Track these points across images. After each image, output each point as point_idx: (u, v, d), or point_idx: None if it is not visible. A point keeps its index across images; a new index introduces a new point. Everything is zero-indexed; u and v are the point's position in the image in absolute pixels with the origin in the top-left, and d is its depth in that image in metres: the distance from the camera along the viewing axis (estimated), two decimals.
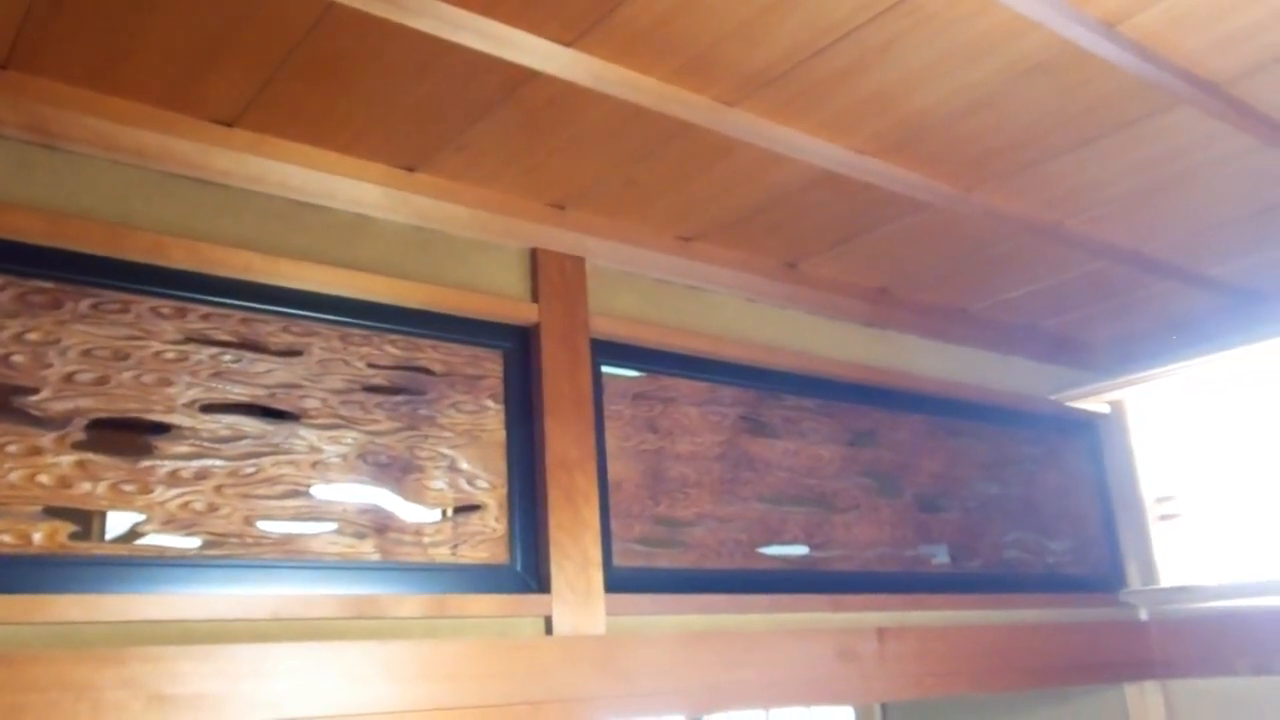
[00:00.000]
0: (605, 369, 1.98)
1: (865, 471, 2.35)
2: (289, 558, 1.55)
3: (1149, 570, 1.22)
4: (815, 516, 2.22)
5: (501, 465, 1.80)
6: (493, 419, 1.81)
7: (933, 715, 3.15)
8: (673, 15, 1.39)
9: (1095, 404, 1.25)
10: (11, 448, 1.38)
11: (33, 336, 1.43)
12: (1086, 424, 2.83)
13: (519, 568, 1.76)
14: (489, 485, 1.77)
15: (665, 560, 1.96)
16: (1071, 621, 2.53)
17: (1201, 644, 2.58)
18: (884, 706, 3.30)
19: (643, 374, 2.04)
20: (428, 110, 1.58)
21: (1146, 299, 2.60)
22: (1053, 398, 1.35)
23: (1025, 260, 2.31)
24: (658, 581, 1.92)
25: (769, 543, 2.13)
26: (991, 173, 1.89)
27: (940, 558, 2.45)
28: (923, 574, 2.38)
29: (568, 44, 1.45)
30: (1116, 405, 1.23)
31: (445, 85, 1.51)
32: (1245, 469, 1.12)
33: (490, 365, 1.84)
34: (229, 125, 1.59)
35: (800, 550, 2.18)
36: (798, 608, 2.07)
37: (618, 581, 1.85)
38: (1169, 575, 1.14)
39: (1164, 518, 1.16)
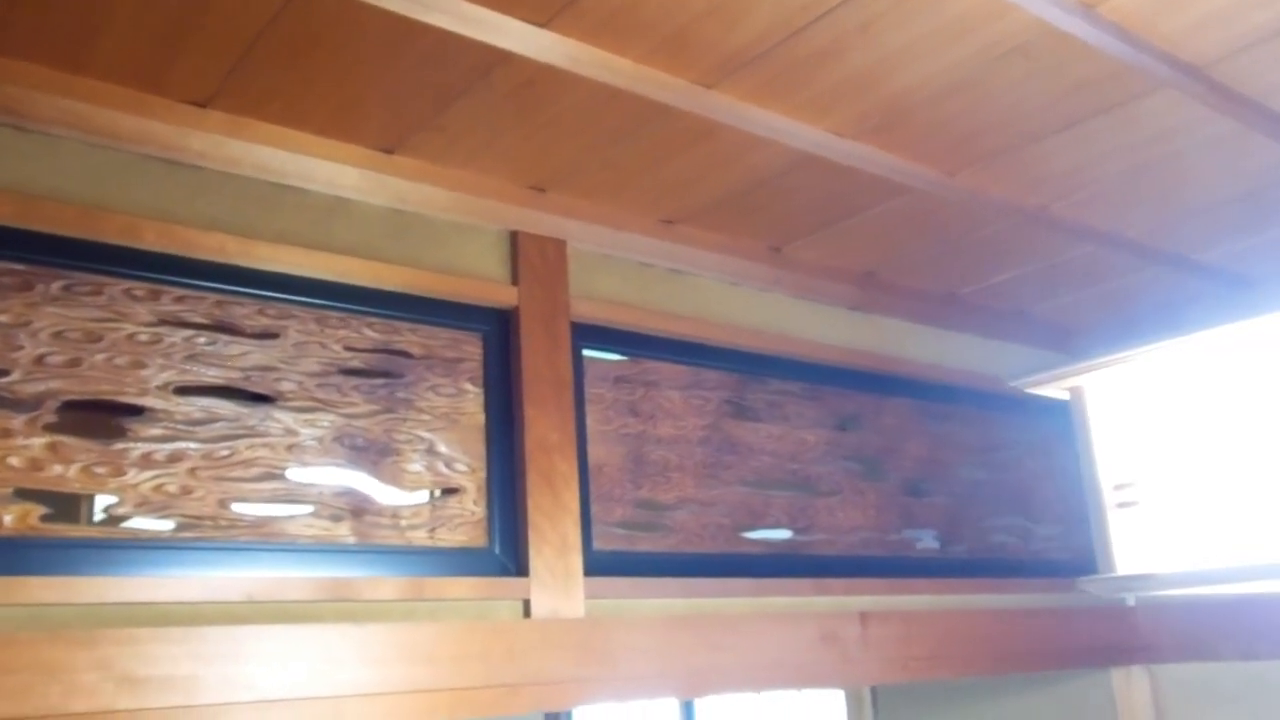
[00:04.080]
0: (586, 352, 1.97)
1: (850, 455, 2.34)
2: (264, 540, 1.54)
3: (1107, 558, 1.22)
4: (799, 500, 2.21)
5: (480, 449, 1.80)
6: (472, 402, 1.81)
7: (922, 700, 3.15)
8: None
9: (1055, 390, 1.25)
10: None
11: (2, 319, 1.42)
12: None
13: (497, 551, 1.75)
14: (467, 468, 1.77)
15: (647, 544, 1.96)
16: (1057, 606, 2.53)
17: (1188, 629, 2.58)
18: (874, 691, 3.31)
19: (624, 357, 2.04)
20: (403, 92, 1.57)
21: (1136, 284, 2.59)
22: (1011, 384, 1.34)
23: (1012, 245, 2.30)
24: (639, 565, 1.92)
25: (752, 526, 2.13)
26: (974, 156, 1.88)
27: (925, 542, 2.45)
28: (907, 558, 2.37)
29: (541, 25, 1.44)
30: (1076, 391, 1.23)
31: (420, 66, 1.50)
32: (1209, 454, 1.12)
33: (469, 348, 1.84)
34: (202, 106, 1.58)
35: (784, 534, 2.18)
36: (781, 591, 2.07)
37: (598, 565, 1.84)
38: (1126, 563, 1.14)
39: (1122, 505, 1.16)
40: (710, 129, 1.71)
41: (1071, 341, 2.91)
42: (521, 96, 1.59)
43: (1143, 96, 1.69)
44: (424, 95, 1.58)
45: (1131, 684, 2.65)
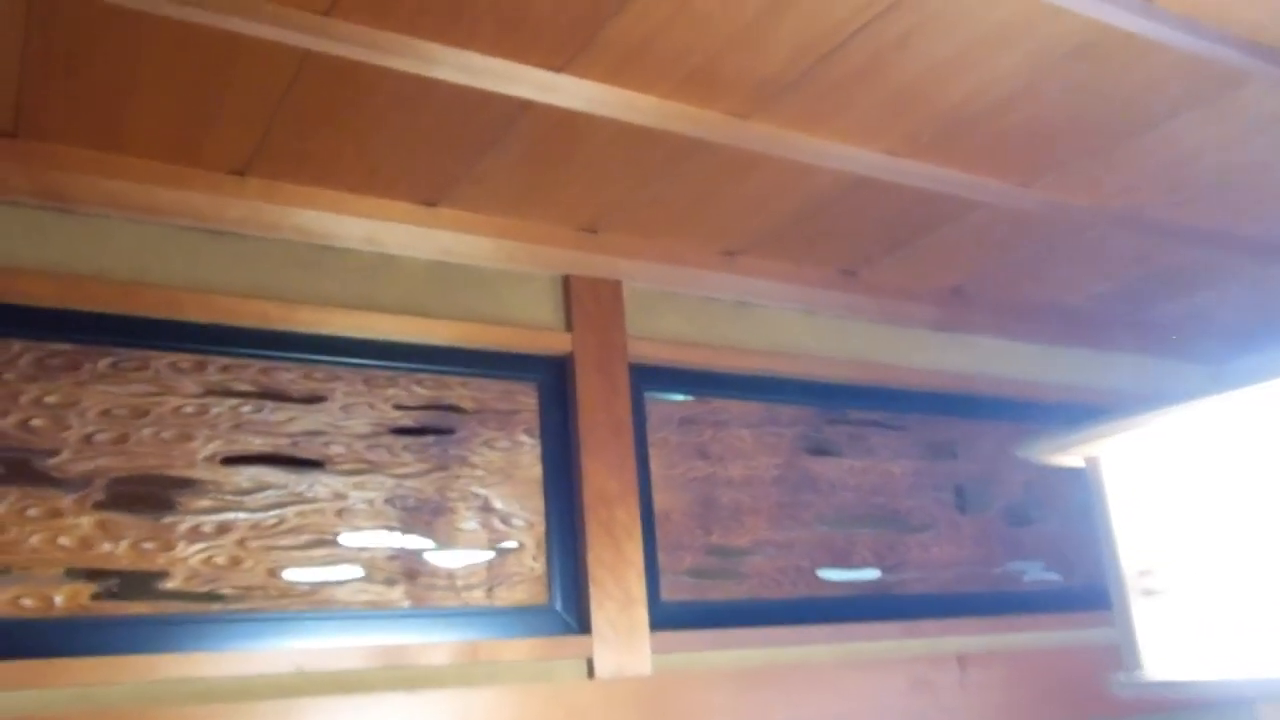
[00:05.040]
0: (649, 395, 1.91)
1: (942, 485, 2.21)
2: (315, 609, 1.53)
3: (1133, 653, 1.08)
4: (886, 537, 2.10)
5: (538, 502, 1.75)
6: (528, 454, 1.77)
7: None
8: (661, 30, 1.32)
9: (1071, 460, 1.11)
10: (32, 511, 1.39)
11: (51, 399, 1.45)
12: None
13: (558, 607, 1.70)
14: (525, 523, 1.73)
15: (718, 592, 1.88)
16: None
17: None
18: None
19: (690, 398, 1.97)
20: (431, 147, 1.54)
21: (1256, 283, 2.39)
22: (1020, 454, 1.21)
23: (1112, 250, 2.14)
24: (710, 615, 1.84)
25: (835, 567, 2.02)
26: (1047, 165, 1.75)
27: (1033, 574, 2.29)
28: (1012, 593, 2.22)
29: (557, 69, 1.39)
30: (1092, 462, 1.09)
31: (442, 122, 1.47)
32: (1248, 535, 0.94)
33: (524, 399, 1.79)
34: (240, 174, 1.58)
35: (871, 574, 2.07)
36: (866, 636, 1.95)
37: (665, 617, 1.77)
38: (1154, 660, 0.98)
39: (1148, 593, 1.02)
40: (753, 160, 1.63)
41: (1194, 347, 2.70)
42: (552, 141, 1.55)
43: (1230, 89, 1.53)
44: (453, 149, 1.55)
45: None
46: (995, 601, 2.17)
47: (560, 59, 1.37)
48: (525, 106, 1.43)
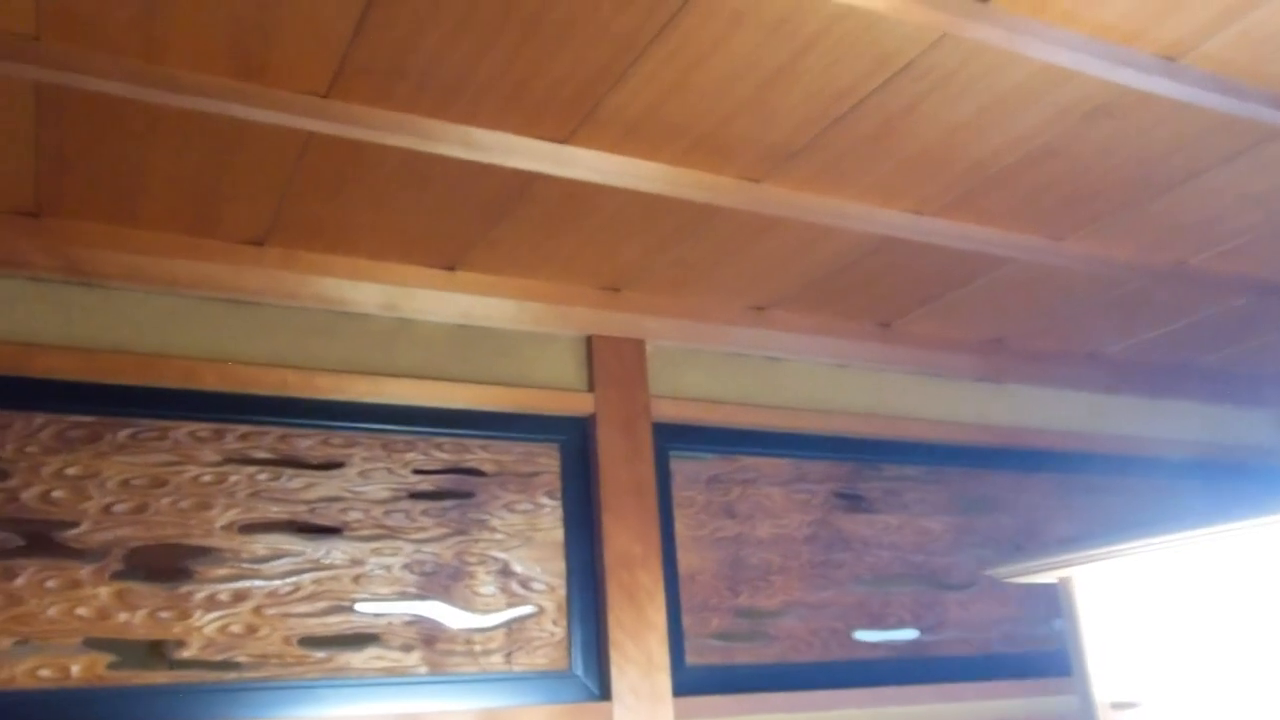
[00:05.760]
0: (674, 454, 1.89)
1: (983, 542, 2.15)
2: (330, 677, 1.53)
3: None
4: (924, 596, 2.04)
5: (560, 565, 1.73)
6: (549, 517, 1.75)
7: None
8: (664, 101, 1.30)
9: (1044, 579, 1.06)
10: (51, 582, 1.42)
11: (72, 471, 1.47)
12: (1253, 469, 2.52)
13: (579, 673, 1.68)
14: (546, 587, 1.71)
15: (747, 656, 1.84)
16: None
17: None
18: None
19: (717, 456, 1.94)
20: (445, 214, 1.54)
21: None
22: (988, 573, 1.16)
23: (1156, 301, 2.07)
24: (738, 680, 1.80)
25: (870, 628, 1.97)
26: (1080, 220, 1.69)
27: None
28: (1056, 654, 2.14)
29: (562, 141, 1.38)
30: (1065, 582, 1.03)
31: (452, 192, 1.47)
32: (1226, 668, 0.85)
33: (546, 461, 1.78)
34: (259, 244, 1.61)
35: (909, 635, 2.01)
36: (902, 700, 1.90)
37: (690, 683, 1.74)
38: None
39: (1116, 707, 0.95)
40: (773, 221, 1.60)
41: (1258, 392, 2.59)
42: (566, 208, 1.54)
43: (1263, 144, 1.47)
44: (466, 216, 1.55)
45: None
46: (1038, 663, 2.09)
47: (564, 130, 1.36)
48: (534, 177, 1.43)
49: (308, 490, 1.60)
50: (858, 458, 2.07)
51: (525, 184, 1.45)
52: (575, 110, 1.31)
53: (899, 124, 1.38)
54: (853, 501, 2.04)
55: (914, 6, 1.11)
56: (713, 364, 1.97)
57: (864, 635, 1.96)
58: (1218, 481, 2.45)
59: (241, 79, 1.21)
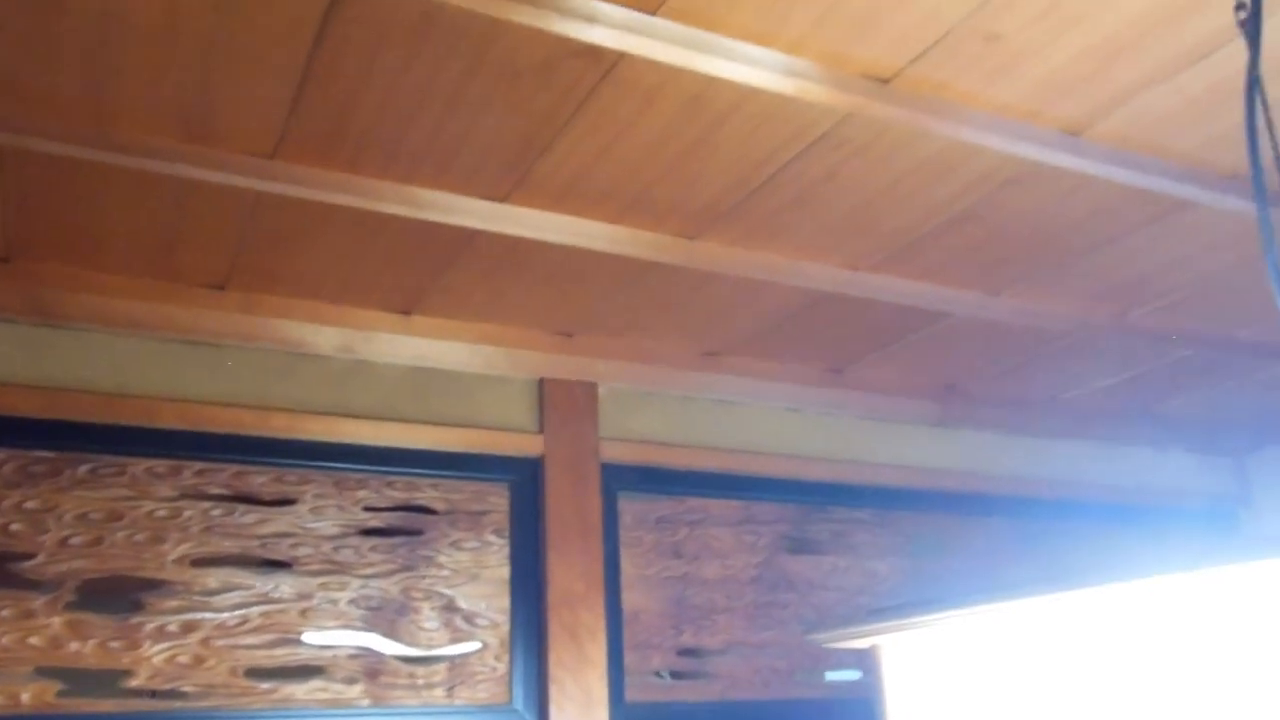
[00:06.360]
0: (622, 495, 1.95)
1: (930, 585, 2.19)
2: (275, 708, 1.59)
3: None
4: None
5: (504, 602, 1.79)
6: (496, 555, 1.81)
7: None
8: (591, 168, 1.37)
9: (858, 644, 1.11)
10: (5, 612, 1.49)
11: (31, 505, 1.54)
12: (1211, 513, 2.56)
13: (519, 707, 1.74)
14: (490, 623, 1.77)
15: (688, 694, 1.89)
16: None
17: None
18: None
19: (667, 497, 2.00)
20: (395, 263, 1.61)
21: (1272, 380, 2.33)
22: (807, 638, 1.21)
23: (1102, 351, 2.12)
24: (677, 717, 1.86)
25: (814, 670, 2.02)
26: (1012, 277, 1.75)
27: None
28: None
29: (500, 199, 1.45)
30: (875, 648, 1.07)
31: (401, 244, 1.54)
32: None
33: (495, 500, 1.85)
34: (220, 289, 1.68)
35: (850, 675, 2.06)
36: None
37: (630, 719, 1.79)
38: None
39: None
40: (713, 275, 1.67)
41: (1215, 439, 2.64)
42: (511, 259, 1.61)
43: (1178, 212, 1.53)
44: (417, 266, 1.62)
45: None
46: None
47: (500, 191, 1.43)
48: (476, 233, 1.50)
49: (260, 526, 1.67)
50: (807, 500, 2.12)
51: (469, 238, 1.52)
52: (509, 174, 1.38)
53: (821, 189, 1.44)
54: (799, 543, 2.10)
55: (817, 88, 1.18)
56: (665, 407, 2.03)
57: (807, 676, 2.01)
58: (1170, 528, 2.49)
59: (189, 142, 1.28)
